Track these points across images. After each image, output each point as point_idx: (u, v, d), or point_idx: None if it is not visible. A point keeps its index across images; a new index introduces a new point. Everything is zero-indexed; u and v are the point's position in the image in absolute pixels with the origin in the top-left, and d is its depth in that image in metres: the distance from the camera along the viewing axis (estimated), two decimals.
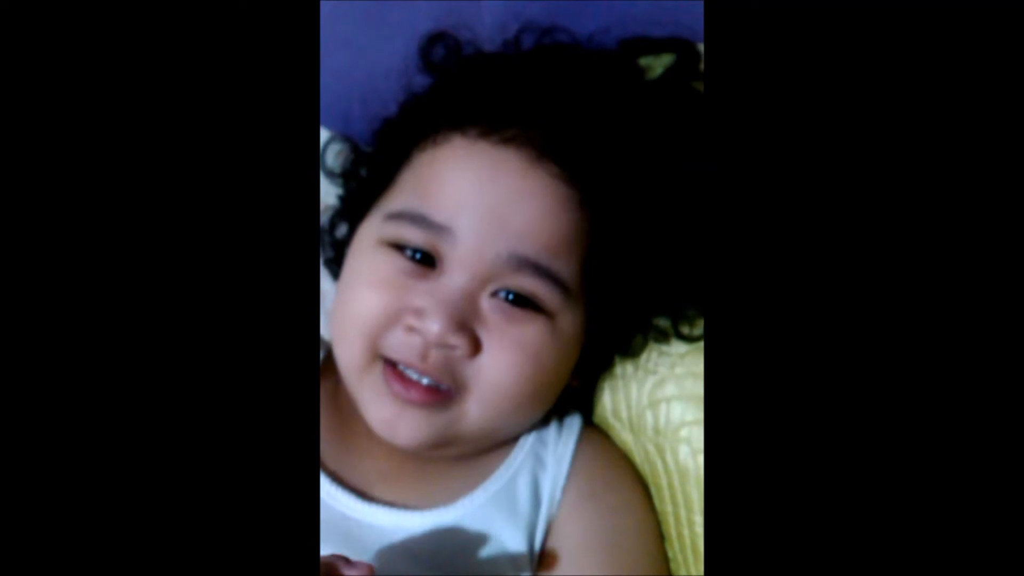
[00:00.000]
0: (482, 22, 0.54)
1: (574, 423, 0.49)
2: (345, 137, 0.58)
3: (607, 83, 0.47)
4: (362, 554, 0.41)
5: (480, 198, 0.42)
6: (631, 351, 0.49)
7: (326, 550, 0.38)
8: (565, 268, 0.43)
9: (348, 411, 0.46)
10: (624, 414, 0.50)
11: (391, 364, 0.43)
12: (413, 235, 0.43)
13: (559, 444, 0.48)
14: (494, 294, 0.43)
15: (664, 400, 0.47)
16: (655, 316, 0.48)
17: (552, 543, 0.45)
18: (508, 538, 0.44)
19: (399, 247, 0.44)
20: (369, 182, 0.50)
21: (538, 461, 0.47)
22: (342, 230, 0.54)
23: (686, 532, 0.46)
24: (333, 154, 0.56)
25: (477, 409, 0.43)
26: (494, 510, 0.45)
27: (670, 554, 0.47)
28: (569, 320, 0.44)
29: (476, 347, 0.42)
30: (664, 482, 0.47)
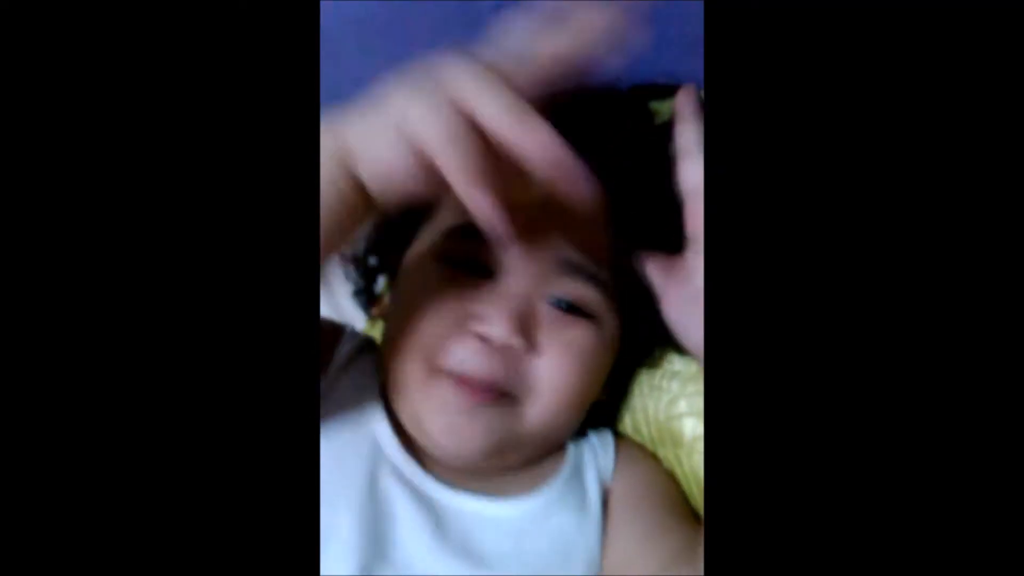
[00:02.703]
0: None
1: (606, 433, 0.53)
2: None
3: (630, 123, 0.50)
4: (453, 537, 0.44)
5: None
6: (653, 361, 0.52)
7: (419, 534, 0.42)
8: (604, 273, 0.46)
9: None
10: (644, 431, 0.54)
11: (455, 374, 0.43)
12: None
13: (601, 442, 0.51)
14: (547, 300, 0.45)
15: (678, 416, 0.52)
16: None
17: (609, 512, 0.48)
18: (580, 526, 0.47)
19: (455, 260, 0.45)
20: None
21: (592, 454, 0.50)
22: (372, 260, 0.56)
23: None
24: None
25: (535, 411, 0.45)
26: (569, 499, 0.47)
27: None
28: (611, 324, 0.47)
29: (535, 349, 0.44)
30: (686, 488, 0.52)
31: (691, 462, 0.51)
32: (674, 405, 0.52)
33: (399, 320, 0.47)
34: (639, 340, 0.50)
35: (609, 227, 0.46)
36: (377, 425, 0.47)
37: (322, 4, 0.68)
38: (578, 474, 0.50)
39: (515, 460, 0.47)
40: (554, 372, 0.44)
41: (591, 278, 0.45)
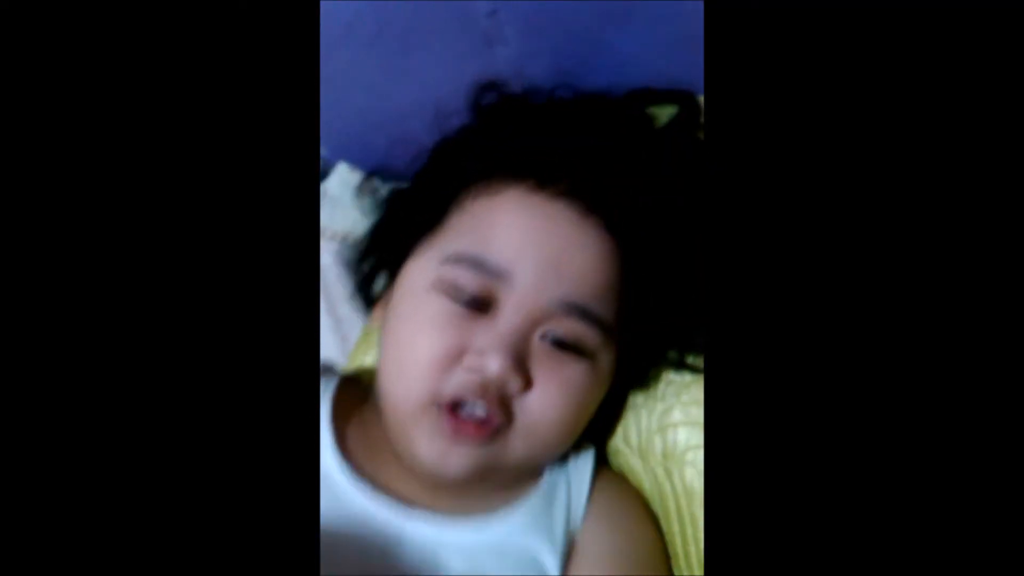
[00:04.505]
0: (496, 69, 0.58)
1: (588, 452, 0.52)
2: (378, 173, 0.62)
3: (634, 138, 0.51)
4: (408, 562, 0.44)
5: (538, 247, 0.45)
6: (647, 384, 0.52)
7: (363, 560, 0.41)
8: (607, 313, 0.46)
9: (379, 443, 0.48)
10: (634, 440, 0.53)
11: (448, 405, 0.44)
12: (470, 279, 0.45)
13: (577, 472, 0.51)
14: (543, 336, 0.45)
15: (671, 426, 0.51)
16: (668, 349, 0.51)
17: (573, 564, 0.47)
18: (544, 554, 0.46)
19: (453, 290, 0.45)
20: (410, 220, 0.52)
21: (566, 484, 0.50)
22: (368, 264, 0.56)
23: (692, 550, 0.49)
24: (370, 189, 0.60)
25: (522, 443, 0.45)
26: (532, 526, 0.47)
27: (677, 572, 0.50)
28: (606, 360, 0.47)
29: (529, 384, 0.44)
30: (672, 504, 0.50)
31: (681, 473, 0.50)
32: (668, 415, 0.51)
33: (394, 346, 0.47)
34: (636, 371, 0.51)
35: (619, 260, 0.47)
36: (324, 454, 0.48)
37: (322, 4, 0.70)
38: (548, 505, 0.49)
39: (495, 481, 0.47)
40: (546, 407, 0.45)
41: (591, 318, 0.45)
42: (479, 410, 0.44)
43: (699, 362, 0.50)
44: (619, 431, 0.54)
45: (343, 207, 0.73)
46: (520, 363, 0.44)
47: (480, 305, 0.45)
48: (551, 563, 0.46)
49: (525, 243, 0.45)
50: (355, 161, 0.76)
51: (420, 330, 0.45)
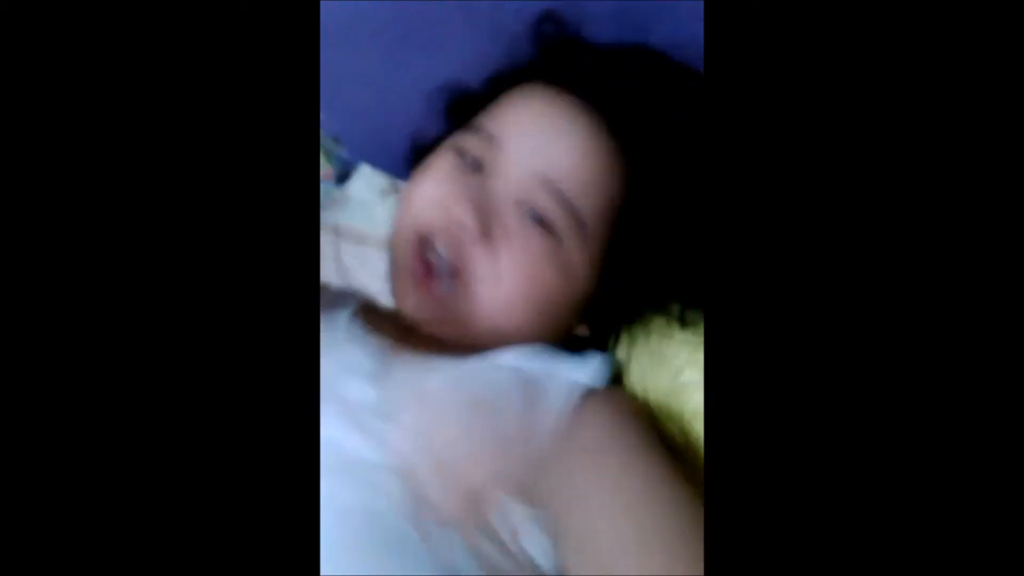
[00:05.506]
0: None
1: (592, 362, 0.49)
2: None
3: (662, 75, 0.54)
4: (396, 378, 0.48)
5: (531, 124, 0.51)
6: (641, 318, 0.53)
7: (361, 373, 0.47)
8: (584, 204, 0.49)
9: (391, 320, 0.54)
10: (652, 400, 0.51)
11: (421, 249, 0.50)
12: (471, 143, 0.52)
13: (564, 376, 0.47)
14: (520, 207, 0.49)
15: (684, 385, 0.49)
16: (669, 297, 0.52)
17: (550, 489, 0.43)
18: (515, 383, 0.46)
19: (461, 151, 0.52)
20: (464, 112, 0.58)
21: (532, 375, 0.47)
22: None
23: None
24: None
25: (472, 295, 0.49)
26: (515, 376, 0.47)
27: None
28: (576, 251, 0.50)
29: (488, 238, 0.49)
30: (690, 461, 0.48)
31: (695, 432, 0.48)
32: (680, 374, 0.50)
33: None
34: (622, 284, 0.51)
35: (619, 164, 0.50)
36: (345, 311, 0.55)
37: (350, 5, 0.70)
38: (534, 376, 0.47)
39: (463, 337, 0.51)
40: (499, 266, 0.49)
41: (563, 201, 0.49)
42: (439, 255, 0.50)
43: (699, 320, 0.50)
44: (637, 389, 0.52)
45: (366, 208, 0.74)
46: (483, 215, 0.49)
47: (478, 167, 0.51)
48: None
49: (522, 119, 0.52)
50: (377, 163, 0.76)
51: (427, 178, 0.53)
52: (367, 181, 0.77)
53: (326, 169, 0.86)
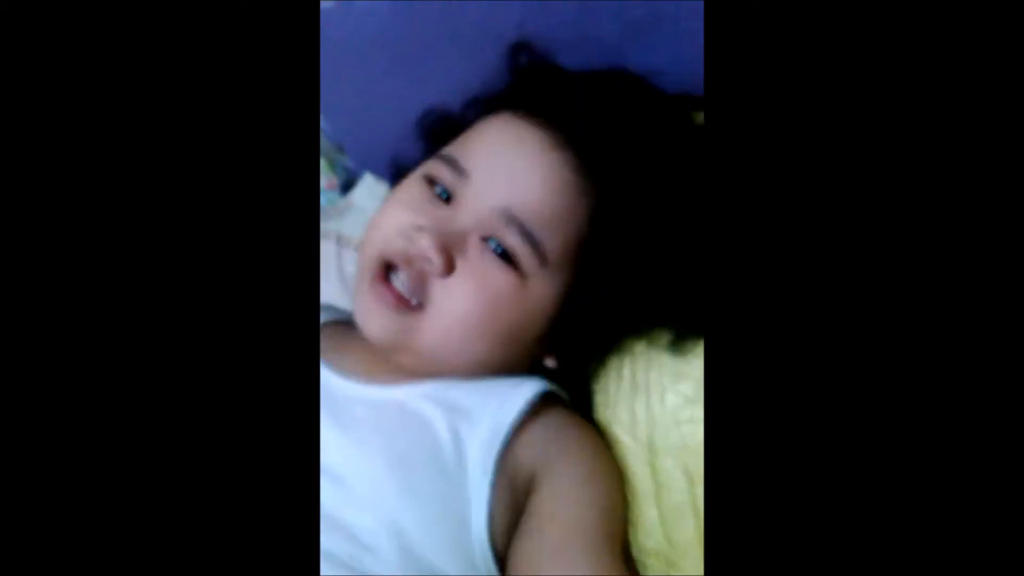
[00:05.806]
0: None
1: (532, 386, 0.51)
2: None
3: (633, 104, 0.54)
4: (330, 411, 0.50)
5: (500, 157, 0.51)
6: (612, 349, 0.53)
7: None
8: (550, 239, 0.49)
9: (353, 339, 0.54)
10: (644, 434, 0.51)
11: (385, 273, 0.51)
12: (443, 173, 0.52)
13: (503, 401, 0.50)
14: (485, 241, 0.49)
15: (688, 421, 0.49)
16: (651, 324, 0.52)
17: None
18: (440, 421, 0.49)
19: (431, 181, 0.52)
20: (440, 139, 0.59)
21: (455, 404, 0.50)
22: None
23: None
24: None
25: (430, 325, 0.50)
26: (438, 396, 0.50)
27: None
28: (539, 287, 0.50)
29: (450, 271, 0.49)
30: (687, 499, 0.48)
31: (699, 467, 0.47)
32: (683, 410, 0.49)
33: (377, 215, 0.55)
34: (587, 315, 0.52)
35: (586, 199, 0.50)
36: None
37: (355, 14, 0.71)
38: (473, 393, 0.51)
39: (413, 364, 0.52)
40: (457, 297, 0.49)
41: (527, 236, 0.49)
42: (401, 283, 0.50)
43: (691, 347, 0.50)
44: (624, 419, 0.52)
45: (368, 217, 0.74)
46: (445, 248, 0.49)
47: (447, 198, 0.52)
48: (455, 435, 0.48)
49: (491, 152, 0.51)
50: (381, 172, 0.77)
51: (396, 204, 0.54)
52: (370, 190, 0.78)
53: (329, 178, 0.86)
